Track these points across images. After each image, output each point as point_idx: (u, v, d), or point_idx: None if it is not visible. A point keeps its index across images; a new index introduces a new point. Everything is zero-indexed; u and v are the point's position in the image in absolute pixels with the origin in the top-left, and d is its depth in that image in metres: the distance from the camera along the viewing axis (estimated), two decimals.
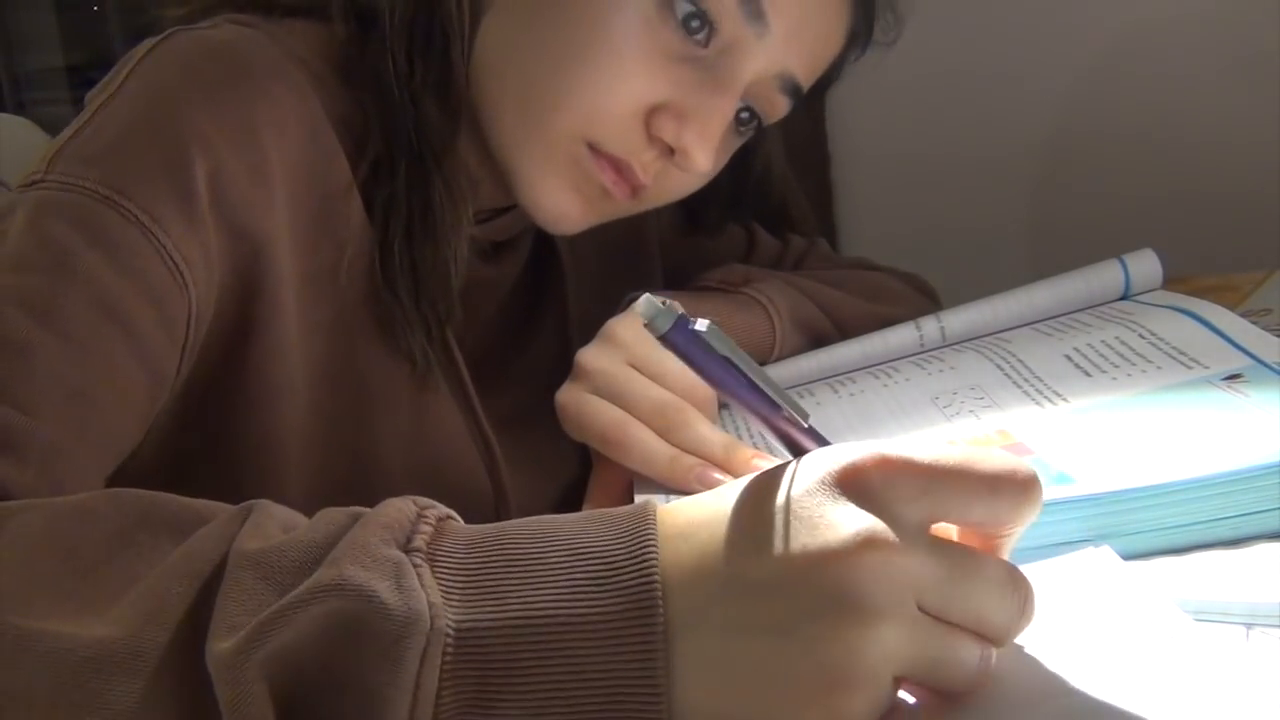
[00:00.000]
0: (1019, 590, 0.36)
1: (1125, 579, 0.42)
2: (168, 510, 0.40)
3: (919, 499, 0.35)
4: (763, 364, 0.74)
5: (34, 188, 0.54)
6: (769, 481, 0.37)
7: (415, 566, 0.35)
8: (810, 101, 0.72)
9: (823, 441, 0.40)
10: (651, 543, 0.35)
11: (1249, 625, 0.40)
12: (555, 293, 0.79)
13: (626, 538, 0.36)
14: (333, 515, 0.38)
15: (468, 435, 0.69)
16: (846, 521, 0.34)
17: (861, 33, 0.71)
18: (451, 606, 0.34)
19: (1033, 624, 0.37)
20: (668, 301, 0.38)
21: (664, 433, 0.59)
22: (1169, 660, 0.36)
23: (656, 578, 0.34)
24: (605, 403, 0.60)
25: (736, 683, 0.34)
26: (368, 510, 0.38)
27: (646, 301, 0.38)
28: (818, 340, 0.76)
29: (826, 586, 0.33)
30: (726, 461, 0.57)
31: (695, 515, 0.37)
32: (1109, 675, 0.36)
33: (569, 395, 0.62)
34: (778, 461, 0.38)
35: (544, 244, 0.78)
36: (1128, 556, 0.44)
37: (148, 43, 0.60)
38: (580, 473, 0.66)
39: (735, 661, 0.34)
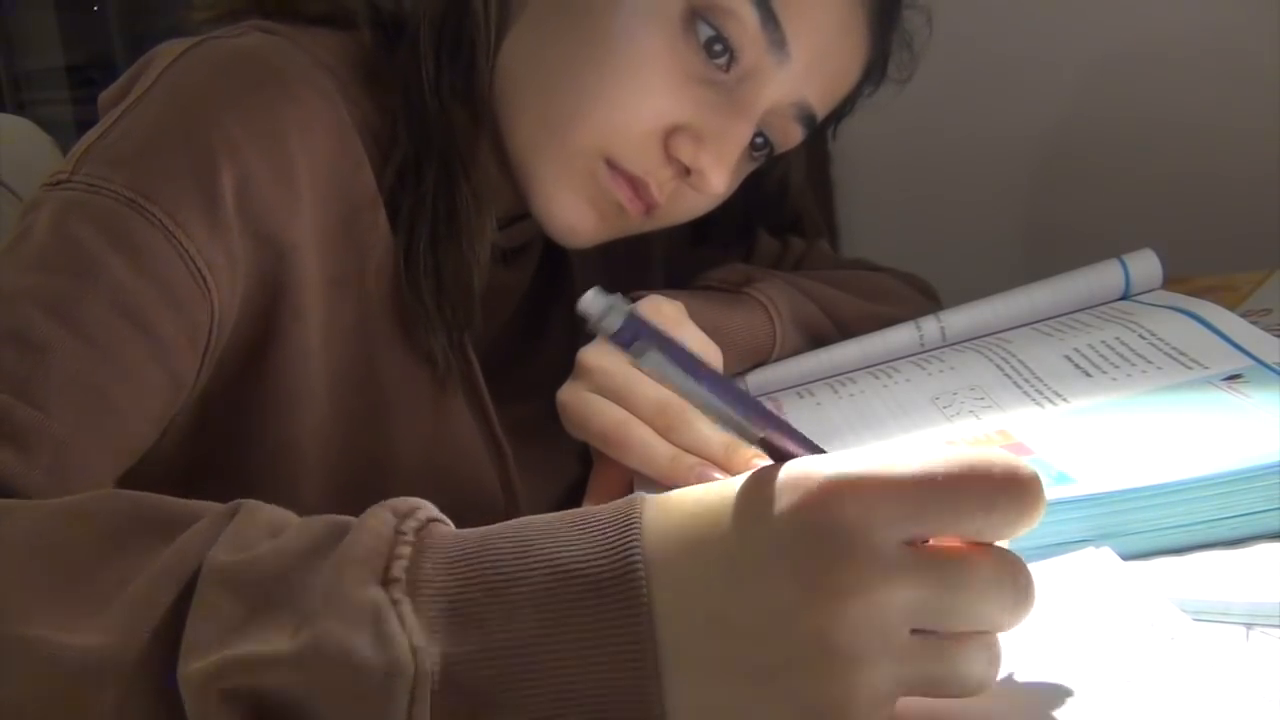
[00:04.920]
0: (1016, 580, 0.35)
1: (1125, 579, 0.42)
2: (161, 511, 0.39)
3: (901, 521, 0.34)
4: (762, 364, 0.74)
5: (60, 187, 0.55)
6: (748, 508, 0.35)
7: (395, 603, 0.34)
8: (819, 133, 0.73)
9: (806, 444, 0.37)
10: (637, 563, 0.34)
11: (1249, 625, 0.40)
12: (564, 298, 0.80)
13: (610, 555, 0.34)
14: (310, 528, 0.37)
15: (481, 440, 0.69)
16: (820, 573, 0.33)
17: (877, 68, 0.72)
18: (436, 639, 0.33)
19: (1033, 625, 0.37)
20: (617, 298, 0.34)
21: (664, 432, 0.59)
22: (1169, 660, 0.36)
23: (646, 604, 0.33)
24: (606, 401, 0.60)
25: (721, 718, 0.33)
26: (348, 522, 0.36)
27: (593, 297, 0.34)
28: (818, 340, 0.76)
29: (804, 639, 0.33)
30: (727, 461, 0.57)
31: (680, 535, 0.35)
32: (1109, 676, 0.36)
33: (570, 394, 0.62)
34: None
35: (553, 250, 0.78)
36: (1128, 556, 0.44)
37: (175, 46, 0.61)
38: (583, 472, 0.66)
39: (719, 701, 0.33)
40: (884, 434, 0.60)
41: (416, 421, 0.65)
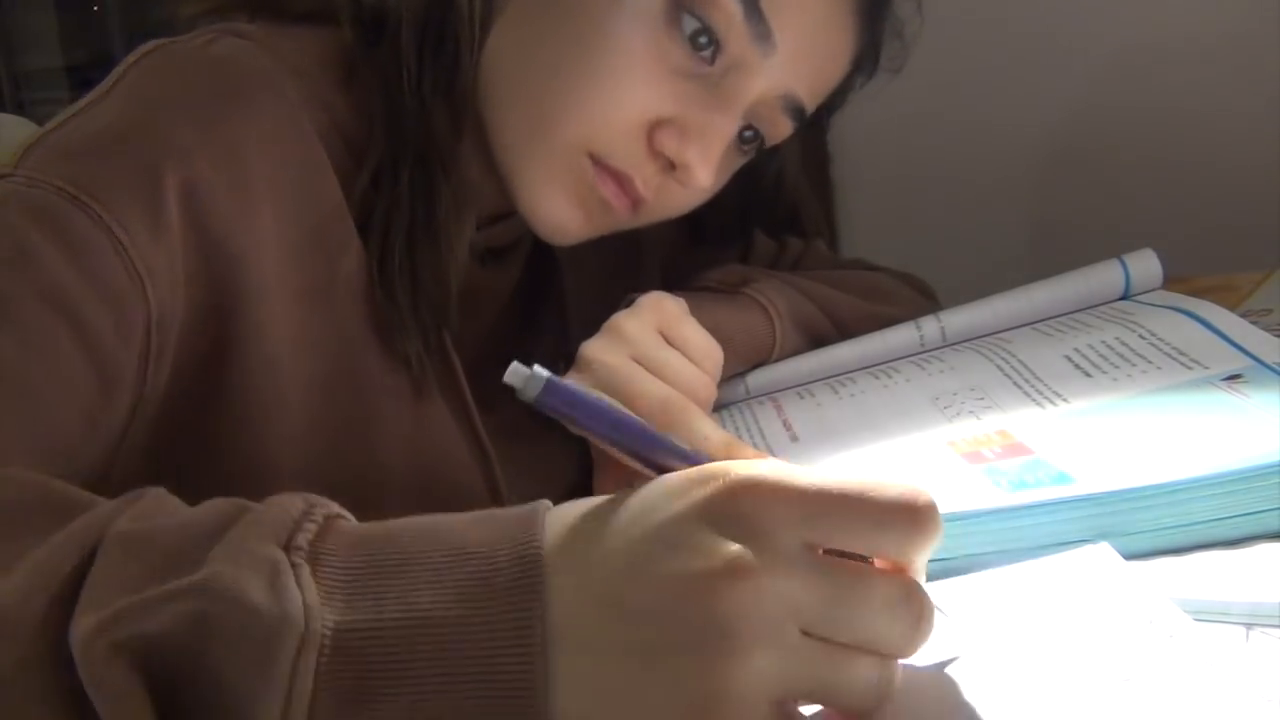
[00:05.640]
0: (911, 607, 0.36)
1: (1125, 578, 0.42)
2: (69, 496, 0.40)
3: (797, 525, 0.35)
4: (762, 364, 0.74)
5: (2, 181, 0.54)
6: (650, 501, 0.37)
7: (294, 565, 0.35)
8: (813, 125, 0.72)
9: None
10: (536, 547, 0.35)
11: (1249, 625, 0.40)
12: (553, 299, 0.79)
13: (511, 541, 0.36)
14: (218, 505, 0.38)
15: (464, 444, 0.68)
16: (715, 551, 0.34)
17: (868, 59, 0.72)
18: (331, 607, 0.34)
19: (1033, 622, 0.37)
20: (536, 368, 0.38)
21: (665, 429, 0.58)
22: (1168, 659, 0.36)
23: (539, 584, 0.35)
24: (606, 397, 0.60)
25: (608, 704, 0.34)
26: (255, 505, 0.37)
27: (514, 371, 0.38)
28: (817, 340, 0.76)
29: (693, 618, 0.33)
30: (727, 459, 0.56)
31: (582, 527, 0.37)
32: (1108, 675, 0.36)
33: None
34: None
35: (541, 250, 0.78)
36: (1128, 556, 0.44)
37: (142, 49, 0.60)
38: (579, 479, 0.66)
39: (607, 682, 0.34)
40: (884, 434, 0.60)
41: (396, 427, 0.64)
